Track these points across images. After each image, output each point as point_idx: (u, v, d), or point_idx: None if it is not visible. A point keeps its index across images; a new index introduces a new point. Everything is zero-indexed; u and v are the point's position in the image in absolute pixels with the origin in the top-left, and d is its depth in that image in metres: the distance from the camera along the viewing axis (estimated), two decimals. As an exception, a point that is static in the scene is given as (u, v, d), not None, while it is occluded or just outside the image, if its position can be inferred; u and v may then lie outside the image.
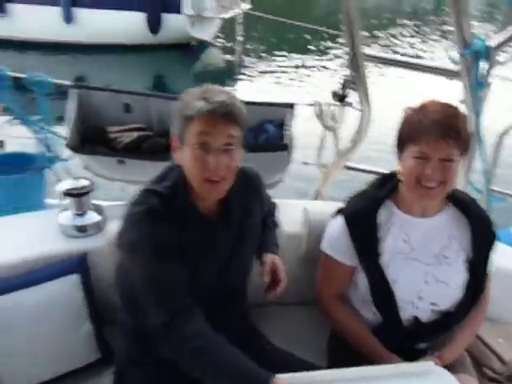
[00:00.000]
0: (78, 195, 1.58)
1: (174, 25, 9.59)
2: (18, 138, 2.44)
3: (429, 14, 17.48)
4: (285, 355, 1.36)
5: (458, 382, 1.16)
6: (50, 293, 1.45)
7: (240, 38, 10.22)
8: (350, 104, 1.82)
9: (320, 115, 1.91)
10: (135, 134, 1.94)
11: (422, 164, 1.24)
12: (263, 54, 10.64)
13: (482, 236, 1.38)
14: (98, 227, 1.62)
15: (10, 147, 2.70)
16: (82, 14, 9.44)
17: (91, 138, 1.96)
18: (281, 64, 9.89)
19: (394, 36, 12.99)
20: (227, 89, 1.19)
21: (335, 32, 7.92)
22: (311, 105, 1.94)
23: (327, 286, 1.47)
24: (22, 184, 2.33)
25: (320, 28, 10.04)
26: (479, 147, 1.82)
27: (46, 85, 2.09)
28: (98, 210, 1.65)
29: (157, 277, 1.12)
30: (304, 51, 10.74)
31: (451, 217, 1.38)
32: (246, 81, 8.91)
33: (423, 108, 1.29)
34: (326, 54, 10.70)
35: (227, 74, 9.68)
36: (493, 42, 1.69)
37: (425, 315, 1.36)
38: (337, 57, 10.39)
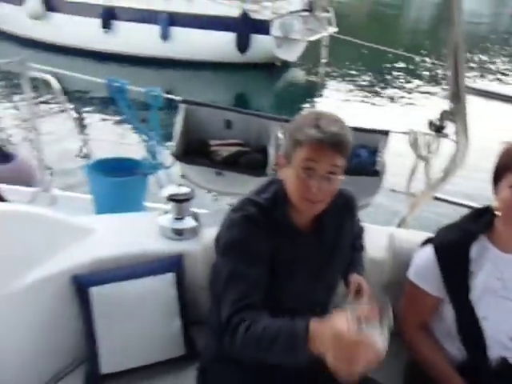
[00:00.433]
0: (179, 201, 1.72)
1: (262, 45, 9.94)
2: (129, 144, 2.70)
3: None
4: (368, 381, 1.33)
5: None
6: (147, 287, 1.57)
7: (324, 61, 10.33)
8: (446, 135, 1.81)
9: (414, 144, 1.91)
10: (233, 149, 2.07)
11: None
12: (345, 78, 10.65)
13: None
14: (194, 232, 1.74)
15: (122, 153, 2.97)
16: (178, 32, 10.10)
17: (194, 150, 2.13)
18: (363, 88, 9.84)
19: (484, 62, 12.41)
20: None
21: (420, 58, 7.74)
22: (405, 133, 1.96)
23: (411, 315, 1.47)
24: (128, 186, 2.57)
25: (405, 53, 9.88)
26: None
27: (160, 99, 2.30)
28: (195, 216, 1.78)
29: (238, 275, 1.17)
30: (388, 77, 10.60)
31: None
32: (326, 103, 8.97)
33: None
34: (410, 81, 10.48)
35: (308, 95, 9.81)
36: None
37: (514, 357, 1.31)
38: (420, 85, 10.14)
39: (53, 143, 4.45)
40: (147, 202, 2.69)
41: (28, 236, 1.49)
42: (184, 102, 2.11)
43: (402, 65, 11.12)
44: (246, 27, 9.84)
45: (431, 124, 1.81)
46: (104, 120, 6.80)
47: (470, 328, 1.32)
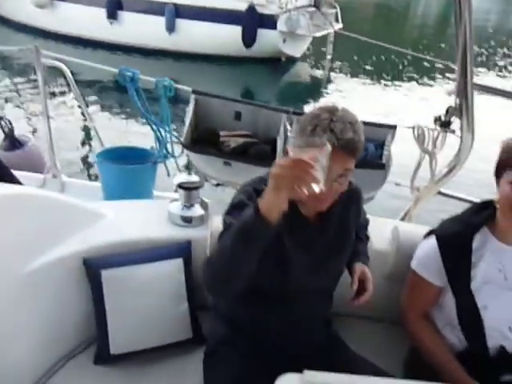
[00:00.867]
0: (189, 189, 1.76)
1: (268, 40, 9.91)
2: (139, 134, 2.72)
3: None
4: (370, 366, 1.38)
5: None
6: (156, 272, 1.61)
7: (329, 57, 10.31)
8: (452, 131, 1.84)
9: (419, 138, 1.95)
10: (241, 140, 2.11)
11: None
12: (350, 74, 10.65)
13: None
14: (202, 220, 1.78)
15: (133, 141, 3.00)
16: (184, 24, 10.08)
17: (203, 140, 2.17)
18: (368, 84, 9.83)
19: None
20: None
21: (425, 56, 7.75)
22: (411, 128, 1.99)
23: (413, 304, 1.51)
24: (137, 174, 2.59)
25: (409, 51, 9.88)
26: None
27: (170, 89, 2.33)
28: (204, 205, 1.81)
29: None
30: (391, 73, 10.60)
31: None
32: (330, 98, 8.97)
33: None
34: (415, 77, 10.48)
35: (313, 91, 9.81)
36: None
37: (513, 347, 1.35)
38: (425, 81, 10.14)
39: (63, 131, 4.47)
40: (155, 191, 2.73)
41: (41, 219, 1.53)
42: (195, 92, 2.15)
43: (407, 61, 11.10)
44: (252, 21, 9.79)
45: (437, 119, 1.84)
46: (114, 109, 6.80)
47: (470, 317, 1.36)
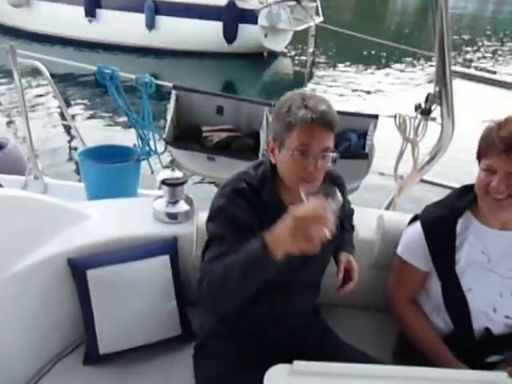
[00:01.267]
0: (173, 185, 1.75)
1: (249, 35, 9.88)
2: (122, 131, 2.69)
3: None
4: (359, 354, 1.40)
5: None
6: (143, 269, 1.60)
7: (311, 50, 10.33)
8: (433, 119, 1.86)
9: (401, 127, 1.96)
10: (224, 135, 2.10)
11: (489, 177, 1.28)
12: (332, 66, 10.69)
13: None
14: (187, 216, 1.77)
15: (115, 140, 2.96)
16: (164, 21, 9.99)
17: (186, 135, 2.15)
18: (350, 76, 9.88)
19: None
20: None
21: (406, 47, 7.84)
22: (392, 116, 2.00)
23: (400, 290, 1.52)
24: (120, 173, 2.56)
25: (389, 43, 9.95)
26: None
27: (151, 85, 2.31)
28: (189, 201, 1.80)
29: (219, 238, 1.19)
30: (371, 65, 10.68)
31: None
32: (313, 90, 9.00)
33: (498, 124, 1.32)
34: (396, 68, 10.58)
35: (295, 84, 9.81)
36: None
37: (497, 328, 1.38)
38: (403, 71, 10.25)
39: (43, 131, 4.40)
40: (140, 189, 2.70)
41: (25, 221, 1.50)
42: (176, 87, 2.13)
43: (388, 51, 11.18)
44: (233, 17, 9.74)
45: (418, 107, 1.85)
46: (94, 107, 6.72)
47: (455, 300, 1.38)
